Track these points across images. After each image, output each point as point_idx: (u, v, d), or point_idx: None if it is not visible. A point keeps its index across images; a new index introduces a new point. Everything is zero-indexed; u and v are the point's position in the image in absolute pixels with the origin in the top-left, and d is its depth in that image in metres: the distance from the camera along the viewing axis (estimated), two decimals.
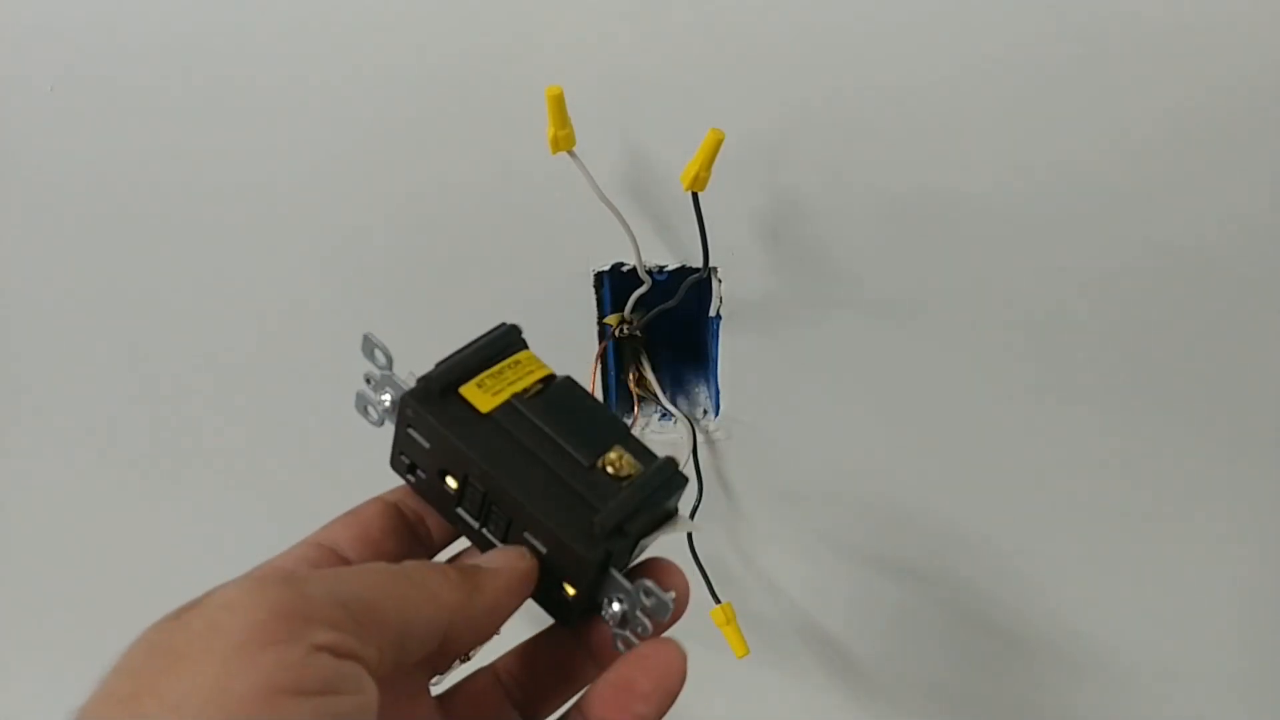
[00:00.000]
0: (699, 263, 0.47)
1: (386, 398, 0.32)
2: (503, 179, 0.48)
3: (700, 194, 0.44)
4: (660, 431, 0.55)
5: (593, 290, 0.51)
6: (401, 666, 0.25)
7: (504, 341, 0.33)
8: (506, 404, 0.31)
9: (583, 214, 0.46)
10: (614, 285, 0.51)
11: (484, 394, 0.31)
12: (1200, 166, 0.46)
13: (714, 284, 0.50)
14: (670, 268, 0.50)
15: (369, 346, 0.33)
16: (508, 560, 0.29)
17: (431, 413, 0.30)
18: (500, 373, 0.32)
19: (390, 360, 0.32)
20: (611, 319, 0.51)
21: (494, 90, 0.46)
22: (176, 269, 0.52)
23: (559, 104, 0.42)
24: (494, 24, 0.45)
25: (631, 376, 0.54)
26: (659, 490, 0.30)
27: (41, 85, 0.48)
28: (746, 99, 0.46)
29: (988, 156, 0.47)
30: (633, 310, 0.51)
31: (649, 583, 0.28)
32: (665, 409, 0.54)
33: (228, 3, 0.46)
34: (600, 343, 0.52)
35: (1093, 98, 0.45)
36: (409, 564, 0.27)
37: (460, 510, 0.31)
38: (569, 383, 0.33)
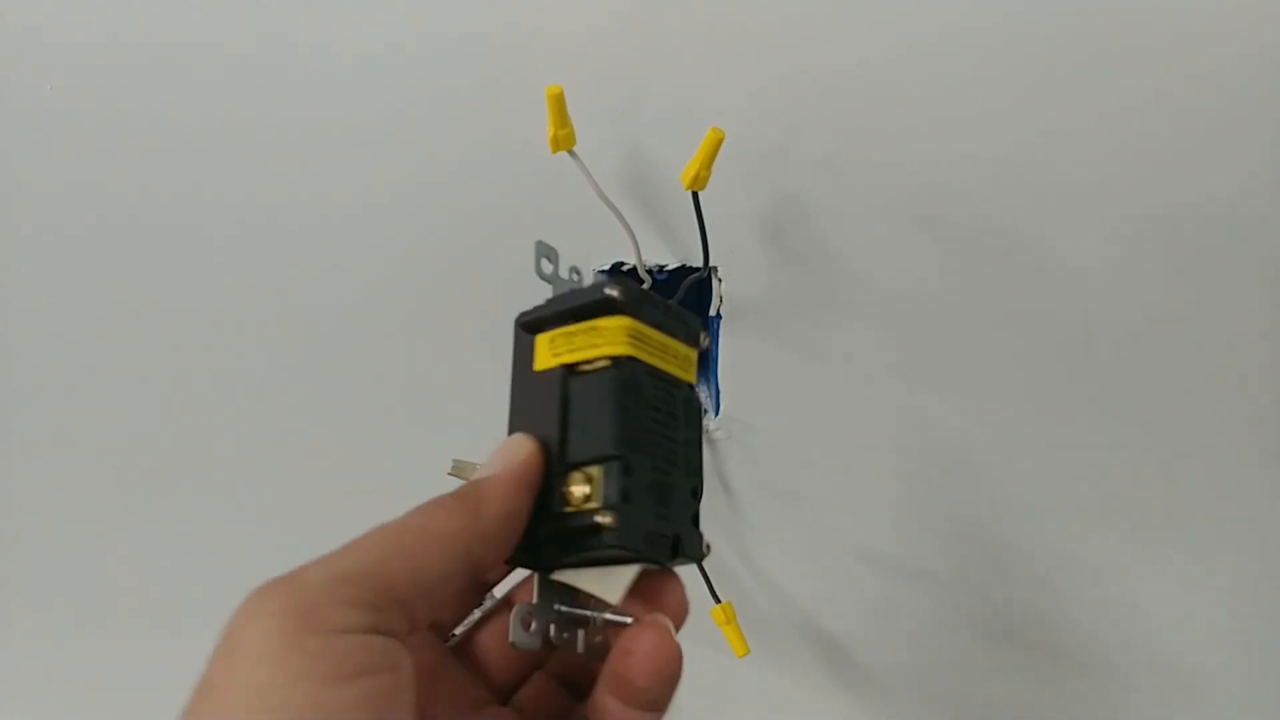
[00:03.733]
0: (699, 262, 0.47)
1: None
2: (503, 179, 0.48)
3: (700, 194, 0.44)
4: None
5: None
6: (437, 613, 0.25)
7: (595, 303, 0.30)
8: (553, 370, 0.30)
9: (583, 214, 0.46)
10: None
11: (547, 351, 0.30)
12: (1200, 161, 0.47)
13: (714, 284, 0.50)
14: (670, 267, 0.50)
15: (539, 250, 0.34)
16: (505, 455, 0.29)
17: (516, 343, 0.31)
18: (574, 335, 0.30)
19: (554, 265, 0.33)
20: None
21: (494, 90, 0.46)
22: (176, 269, 0.52)
23: (559, 104, 0.42)
24: (494, 24, 0.45)
25: None
26: (586, 538, 0.28)
27: (41, 85, 0.48)
28: (746, 99, 0.46)
29: (988, 156, 0.47)
30: None
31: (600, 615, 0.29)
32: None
33: (227, 4, 0.46)
34: None
35: (1092, 95, 0.45)
36: (407, 514, 0.27)
37: None
38: (627, 375, 0.29)
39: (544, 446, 0.29)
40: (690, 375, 0.31)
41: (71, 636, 0.66)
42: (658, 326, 0.30)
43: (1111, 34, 0.44)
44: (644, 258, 0.48)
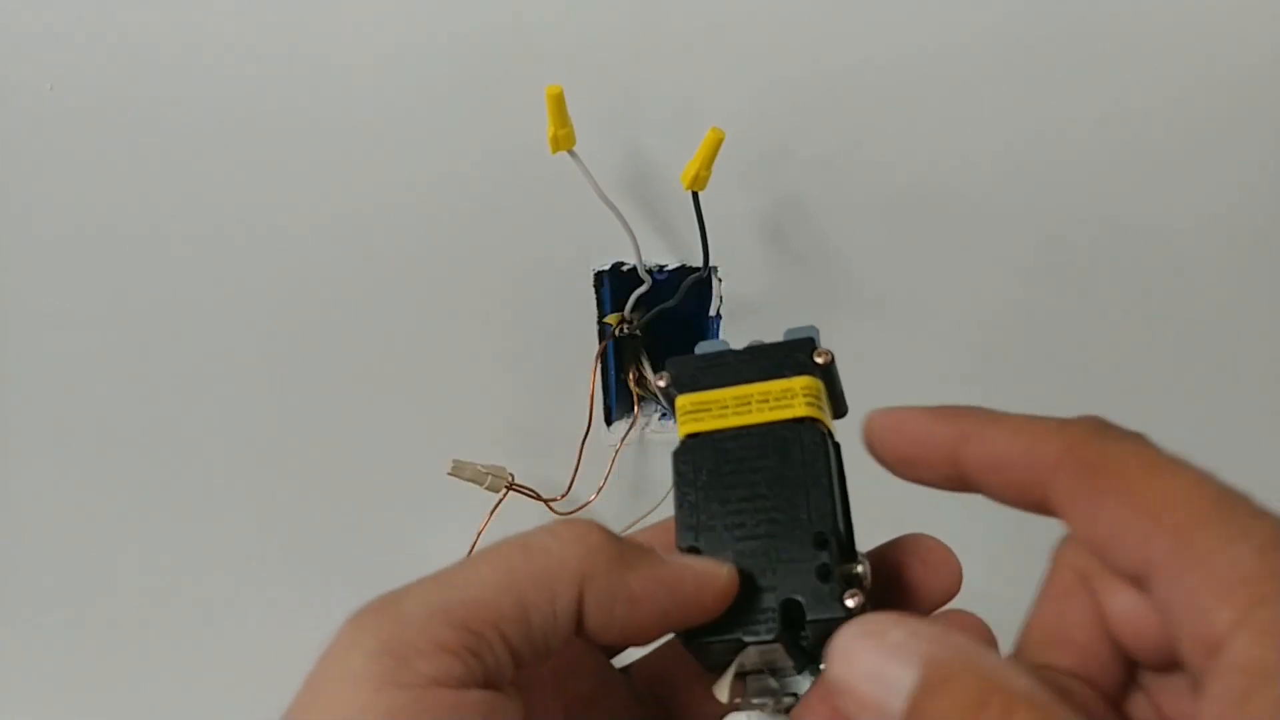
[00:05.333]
0: (699, 262, 0.47)
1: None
2: (503, 179, 0.48)
3: (700, 193, 0.44)
4: (660, 431, 0.55)
5: (593, 290, 0.51)
6: (549, 646, 0.21)
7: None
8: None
9: (583, 214, 0.46)
10: (614, 285, 0.51)
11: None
12: (1202, 163, 0.46)
13: (714, 284, 0.50)
14: (670, 267, 0.50)
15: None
16: (695, 559, 0.24)
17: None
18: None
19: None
20: (611, 318, 0.51)
21: (494, 90, 0.46)
22: (176, 269, 0.52)
23: (559, 103, 0.42)
24: (494, 23, 0.45)
25: (631, 376, 0.54)
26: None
27: (41, 85, 0.48)
28: (746, 99, 0.46)
29: (988, 156, 0.47)
30: (633, 310, 0.51)
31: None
32: (665, 408, 0.54)
33: (227, 3, 0.46)
34: (600, 342, 0.52)
35: (1093, 94, 0.45)
36: (534, 530, 0.22)
37: None
38: (682, 454, 0.26)
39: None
40: (794, 409, 0.26)
41: (72, 638, 0.66)
42: (720, 384, 0.27)
43: (1113, 34, 0.44)
44: (644, 257, 0.48)
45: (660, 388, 0.28)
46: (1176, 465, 0.19)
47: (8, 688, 0.69)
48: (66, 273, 0.53)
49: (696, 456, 0.26)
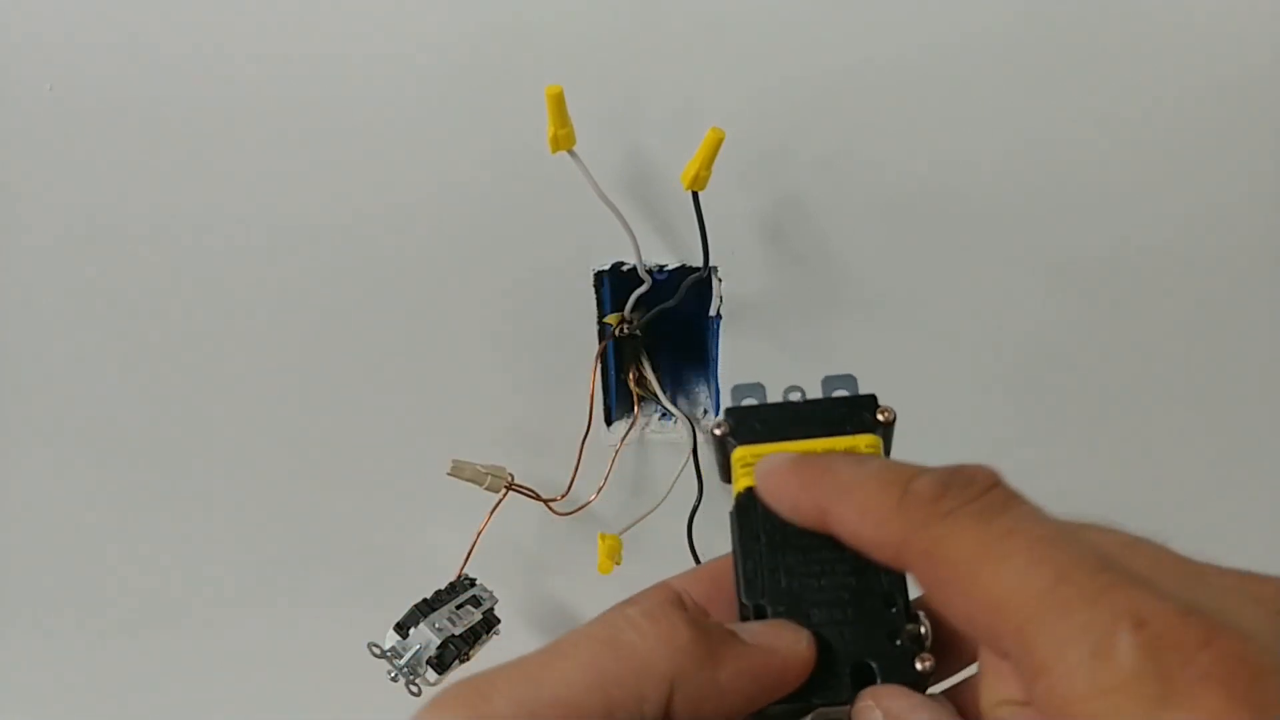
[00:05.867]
0: (699, 262, 0.47)
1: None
2: (503, 179, 0.48)
3: (700, 193, 0.44)
4: (660, 431, 0.55)
5: (593, 290, 0.51)
6: None
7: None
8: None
9: (583, 214, 0.46)
10: (614, 285, 0.51)
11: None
12: (1204, 163, 0.46)
13: (714, 284, 0.50)
14: (670, 267, 0.50)
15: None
16: (776, 637, 0.23)
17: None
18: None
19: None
20: (611, 318, 0.51)
21: (494, 90, 0.46)
22: (176, 269, 0.52)
23: (559, 103, 0.42)
24: (494, 23, 0.45)
25: (631, 376, 0.54)
26: None
27: (41, 85, 0.48)
28: (746, 99, 0.46)
29: (989, 155, 0.47)
30: (633, 310, 0.51)
31: None
32: (665, 409, 0.54)
33: (227, 3, 0.46)
34: (600, 342, 0.52)
35: (1095, 95, 0.45)
36: (618, 621, 0.22)
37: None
38: (736, 513, 0.26)
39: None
40: None
41: (70, 639, 0.66)
42: (782, 437, 0.26)
43: (1114, 34, 0.44)
44: (644, 257, 0.48)
45: (716, 436, 0.27)
46: (1007, 548, 0.20)
47: (8, 688, 0.69)
48: (67, 273, 0.53)
49: (759, 510, 0.25)
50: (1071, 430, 0.53)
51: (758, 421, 0.27)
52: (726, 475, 0.27)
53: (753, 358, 0.52)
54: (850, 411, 0.27)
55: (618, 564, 0.51)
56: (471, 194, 0.49)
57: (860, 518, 0.22)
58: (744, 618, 0.25)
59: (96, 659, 0.66)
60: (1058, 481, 0.55)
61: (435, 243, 0.51)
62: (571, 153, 0.44)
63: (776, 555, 0.25)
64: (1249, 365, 0.51)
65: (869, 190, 0.48)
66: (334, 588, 0.61)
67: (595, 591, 0.54)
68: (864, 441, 0.26)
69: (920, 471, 0.22)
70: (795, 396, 0.27)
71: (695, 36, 0.45)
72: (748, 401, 0.27)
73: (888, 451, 0.27)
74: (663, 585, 0.26)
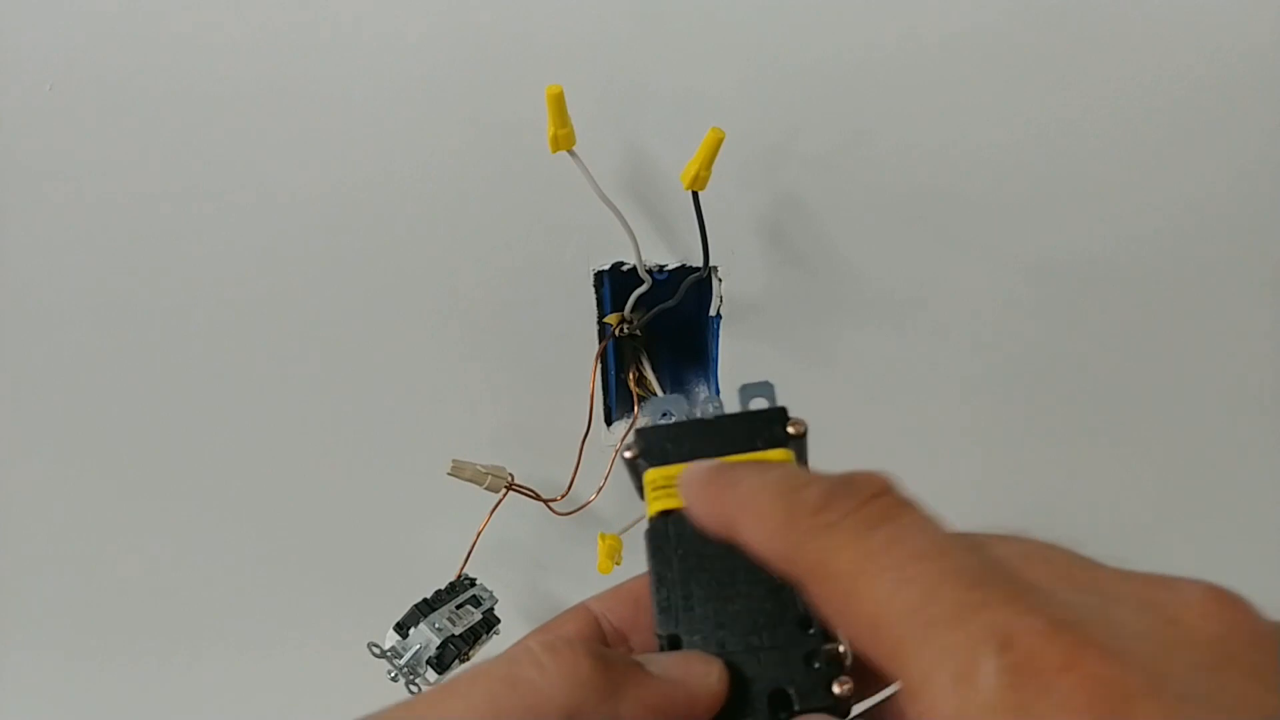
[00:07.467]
0: (699, 262, 0.47)
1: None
2: (503, 178, 0.48)
3: (700, 193, 0.44)
4: None
5: (593, 290, 0.51)
6: None
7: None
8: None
9: (583, 214, 0.46)
10: (614, 285, 0.51)
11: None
12: (1204, 157, 0.46)
13: (714, 284, 0.50)
14: (670, 267, 0.50)
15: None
16: (685, 669, 0.23)
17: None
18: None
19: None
20: (611, 318, 0.51)
21: (494, 89, 0.46)
22: (176, 269, 0.52)
23: (559, 103, 0.42)
24: (494, 23, 0.45)
25: (631, 376, 0.54)
26: None
27: (41, 85, 0.48)
28: (747, 98, 0.46)
29: (989, 154, 0.47)
30: (633, 310, 0.51)
31: None
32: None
33: (227, 5, 0.46)
34: (600, 342, 0.52)
35: (1095, 91, 0.45)
36: (519, 655, 0.21)
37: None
38: (651, 532, 0.25)
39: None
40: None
41: (71, 639, 0.66)
42: (691, 456, 0.25)
43: (1115, 30, 0.44)
44: (644, 257, 0.48)
45: (627, 459, 0.26)
46: (883, 562, 0.19)
47: (8, 689, 0.69)
48: (67, 273, 0.53)
49: (672, 535, 0.25)
50: (1072, 430, 0.53)
51: (669, 441, 0.26)
52: (643, 497, 0.26)
53: (752, 358, 0.52)
54: (762, 425, 0.26)
55: (618, 564, 0.51)
56: (472, 194, 0.49)
57: (757, 529, 0.21)
58: (660, 647, 0.24)
59: (96, 659, 0.66)
60: (1066, 480, 0.55)
61: (436, 242, 0.51)
62: (571, 153, 0.44)
63: (690, 580, 0.24)
64: (1252, 361, 0.51)
65: (869, 189, 0.48)
66: (335, 587, 0.61)
67: (595, 591, 0.54)
68: (775, 456, 0.25)
69: (811, 480, 0.21)
70: (713, 408, 0.26)
71: (695, 37, 0.45)
72: (694, 415, 0.26)
73: (803, 465, 0.26)
74: (579, 609, 0.25)
